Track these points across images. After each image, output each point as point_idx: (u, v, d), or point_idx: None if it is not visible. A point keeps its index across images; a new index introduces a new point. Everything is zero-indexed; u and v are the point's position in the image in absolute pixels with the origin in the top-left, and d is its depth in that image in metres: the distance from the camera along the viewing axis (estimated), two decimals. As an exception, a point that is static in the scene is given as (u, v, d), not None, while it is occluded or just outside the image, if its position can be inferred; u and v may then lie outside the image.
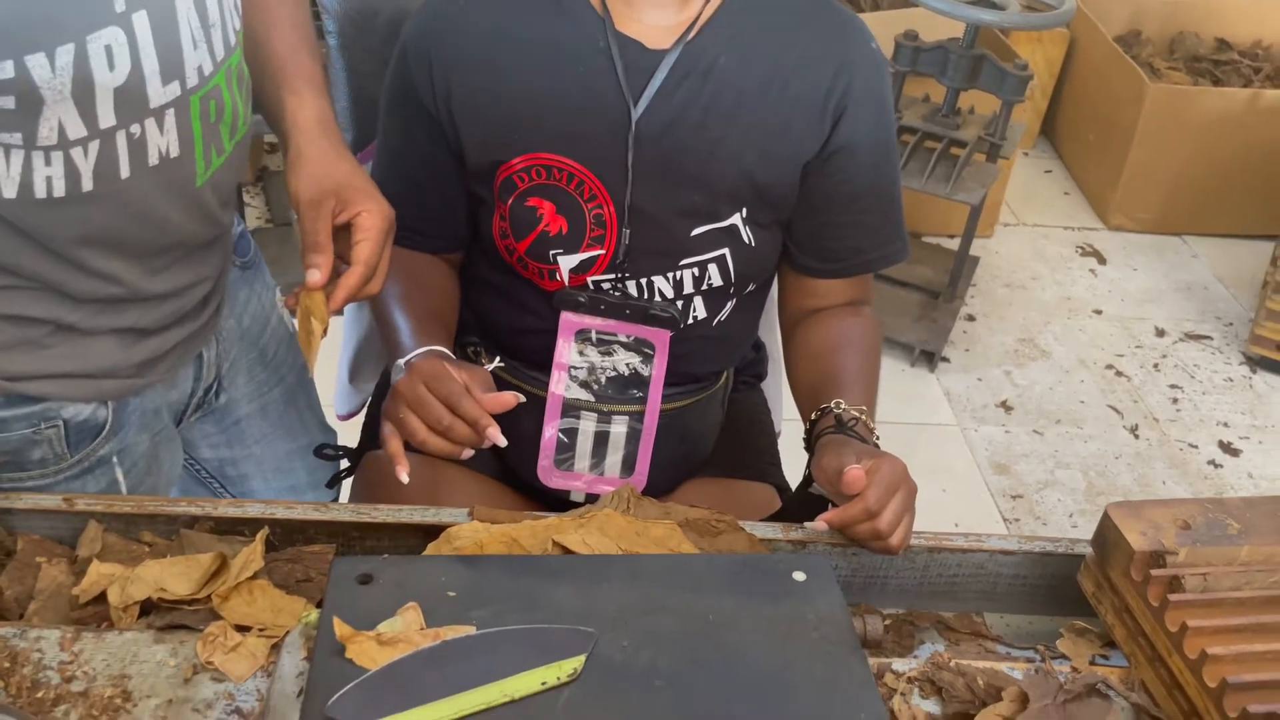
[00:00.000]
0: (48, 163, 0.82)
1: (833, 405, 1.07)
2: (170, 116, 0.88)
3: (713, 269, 1.12)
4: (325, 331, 0.93)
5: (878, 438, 1.07)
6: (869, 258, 1.18)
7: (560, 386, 1.14)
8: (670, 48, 1.05)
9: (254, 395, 1.19)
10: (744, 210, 1.10)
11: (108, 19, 0.80)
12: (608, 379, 1.15)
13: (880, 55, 1.12)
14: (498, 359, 1.16)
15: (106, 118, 0.83)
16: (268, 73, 1.01)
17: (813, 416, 1.09)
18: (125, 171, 0.87)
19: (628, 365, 1.14)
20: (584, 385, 1.15)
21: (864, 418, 1.06)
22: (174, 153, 0.90)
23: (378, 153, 1.18)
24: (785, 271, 1.21)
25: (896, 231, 1.19)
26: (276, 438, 1.23)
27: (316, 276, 0.91)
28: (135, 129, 0.86)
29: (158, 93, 0.86)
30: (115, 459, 1.01)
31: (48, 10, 0.77)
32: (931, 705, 0.81)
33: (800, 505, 1.11)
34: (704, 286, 1.13)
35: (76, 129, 0.82)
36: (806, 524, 0.96)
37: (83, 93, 0.81)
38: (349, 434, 1.35)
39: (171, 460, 1.10)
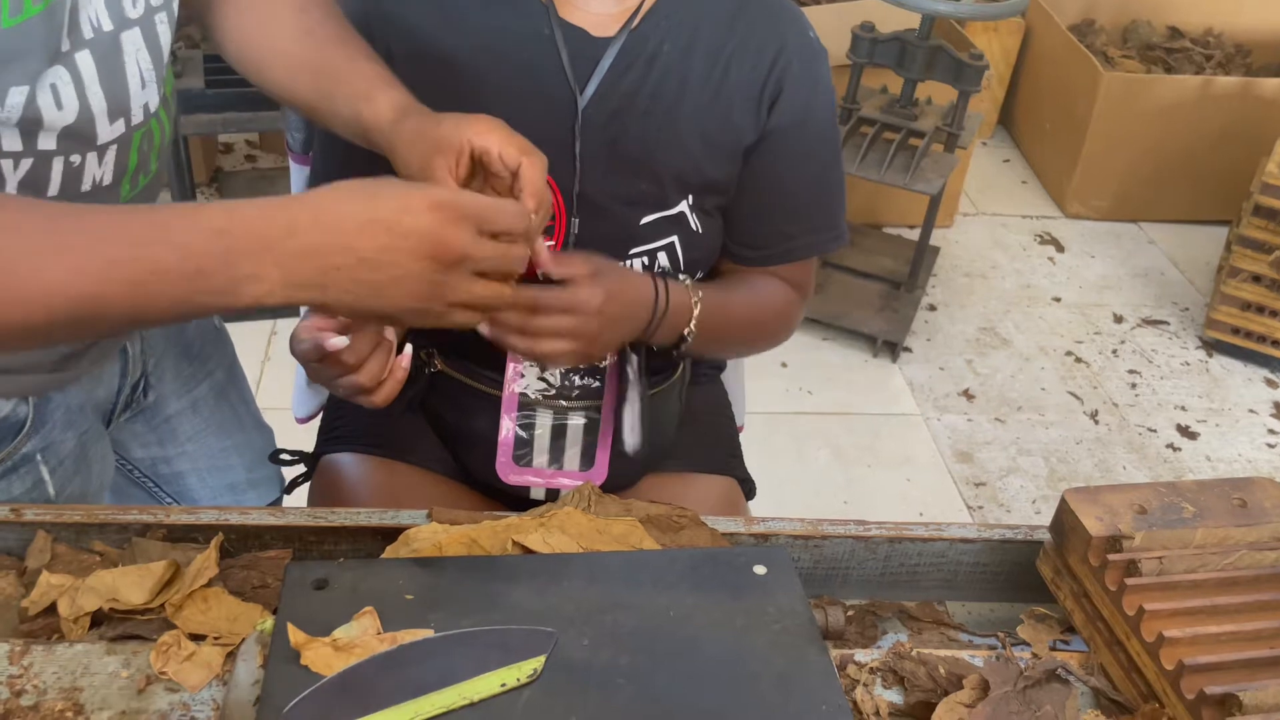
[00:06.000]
0: None
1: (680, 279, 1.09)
2: (112, 151, 0.87)
3: (662, 257, 1.11)
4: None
5: (692, 332, 1.08)
6: (795, 245, 1.17)
7: (516, 381, 1.13)
8: (615, 35, 1.05)
9: (182, 391, 1.18)
10: (690, 197, 1.10)
11: (54, 58, 0.79)
12: (563, 370, 1.14)
13: (818, 44, 1.12)
14: (435, 359, 1.15)
15: (47, 143, 0.82)
16: (338, 97, 0.94)
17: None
18: (53, 191, 0.85)
19: None
20: (539, 378, 1.14)
21: (688, 286, 1.08)
22: (106, 181, 0.89)
23: (317, 135, 1.16)
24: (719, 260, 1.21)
25: (830, 220, 1.18)
26: (209, 434, 1.21)
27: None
28: (75, 158, 0.85)
29: (105, 130, 0.85)
30: (40, 457, 0.99)
31: (8, 52, 0.76)
32: (894, 695, 0.81)
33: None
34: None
35: (13, 143, 0.80)
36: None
37: (29, 126, 0.80)
38: (307, 437, 1.34)
39: (101, 461, 1.08)
